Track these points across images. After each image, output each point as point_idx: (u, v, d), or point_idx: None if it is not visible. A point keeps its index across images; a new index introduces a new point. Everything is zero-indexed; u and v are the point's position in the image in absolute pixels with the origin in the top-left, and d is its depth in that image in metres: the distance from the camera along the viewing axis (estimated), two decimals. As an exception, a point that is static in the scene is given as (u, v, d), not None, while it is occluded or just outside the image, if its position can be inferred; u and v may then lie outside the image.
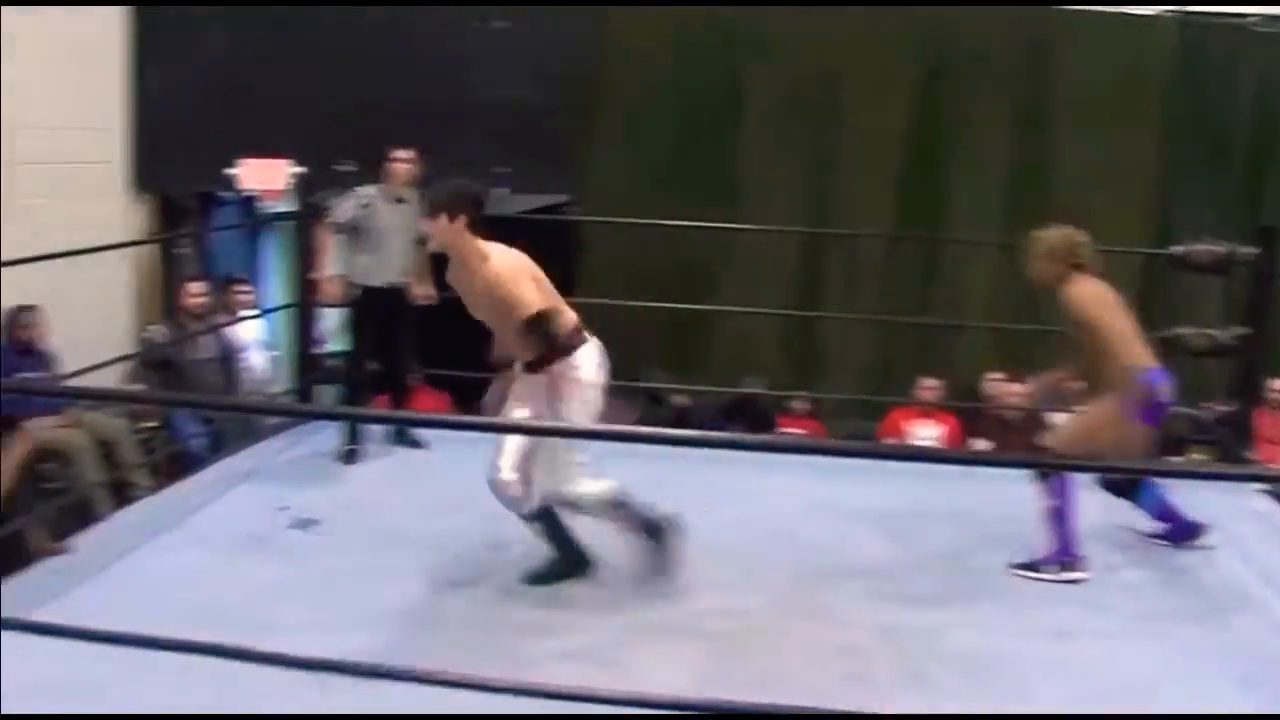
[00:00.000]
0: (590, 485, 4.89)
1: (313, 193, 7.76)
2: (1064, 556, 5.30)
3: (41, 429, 7.75)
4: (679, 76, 10.26)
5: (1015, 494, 5.70)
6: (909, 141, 10.42)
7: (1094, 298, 5.37)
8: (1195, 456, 8.50)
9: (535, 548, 5.14)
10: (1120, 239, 10.27)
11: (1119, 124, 10.48)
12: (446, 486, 5.94)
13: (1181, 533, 5.70)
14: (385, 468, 6.74)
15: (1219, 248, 7.23)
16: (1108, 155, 10.46)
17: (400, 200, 7.00)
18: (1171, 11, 10.43)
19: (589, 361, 4.96)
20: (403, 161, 7.03)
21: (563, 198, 10.04)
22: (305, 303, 8.02)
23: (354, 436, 6.89)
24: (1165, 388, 5.37)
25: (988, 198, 10.40)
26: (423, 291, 7.13)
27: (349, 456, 6.82)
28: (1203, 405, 7.52)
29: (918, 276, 10.41)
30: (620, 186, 9.96)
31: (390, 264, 6.98)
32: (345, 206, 6.99)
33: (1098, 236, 10.08)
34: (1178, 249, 7.60)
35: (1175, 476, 5.98)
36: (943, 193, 10.39)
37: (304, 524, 5.64)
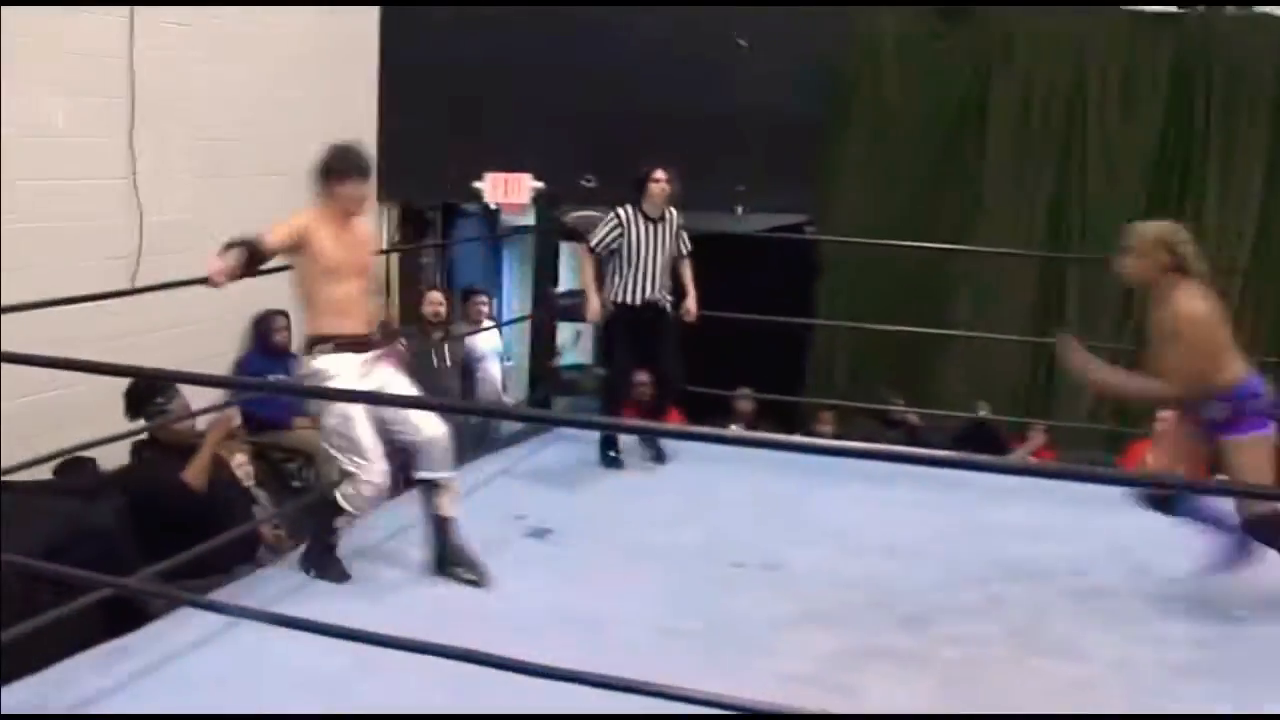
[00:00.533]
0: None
1: (555, 207, 7.87)
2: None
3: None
4: (923, 98, 10.14)
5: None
6: (1159, 155, 10.11)
7: (1197, 309, 4.88)
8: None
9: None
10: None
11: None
12: (682, 500, 5.96)
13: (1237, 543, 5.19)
14: (623, 479, 6.79)
15: None
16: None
17: (657, 219, 7.06)
18: None
19: None
20: (660, 181, 7.04)
21: (801, 217, 10.00)
22: (542, 315, 8.13)
23: (614, 444, 7.01)
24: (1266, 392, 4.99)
25: (1242, 214, 10.02)
26: (690, 307, 7.22)
27: (611, 463, 6.96)
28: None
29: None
30: (860, 205, 9.88)
31: (647, 282, 7.03)
32: (603, 231, 7.09)
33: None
34: None
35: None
36: (1195, 209, 10.03)
37: (539, 533, 5.71)
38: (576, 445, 7.08)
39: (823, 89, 10.17)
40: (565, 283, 9.30)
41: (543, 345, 8.26)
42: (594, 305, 7.10)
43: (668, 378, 7.34)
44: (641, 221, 7.03)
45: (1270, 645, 4.79)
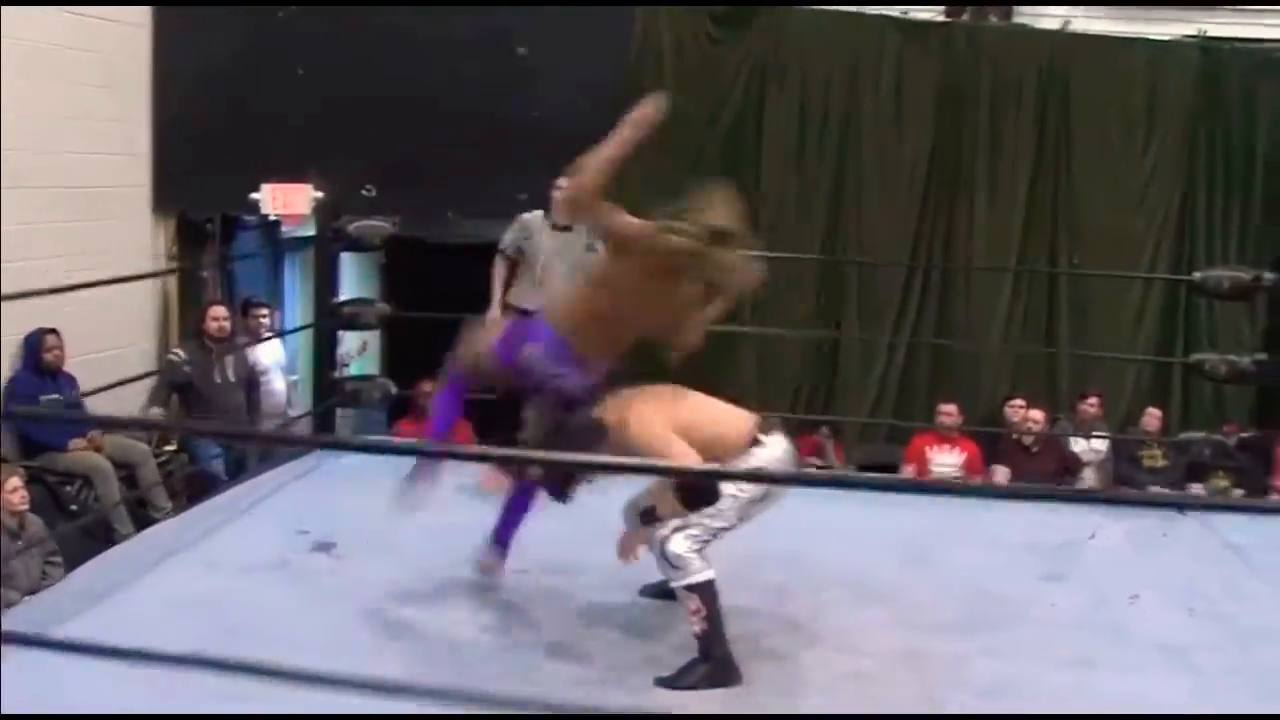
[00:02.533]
0: None
1: (335, 218, 7.80)
2: None
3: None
4: (700, 104, 10.29)
5: (1038, 519, 5.68)
6: (931, 160, 10.46)
7: None
8: (1218, 483, 8.49)
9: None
10: (1143, 265, 10.39)
11: (1140, 150, 10.56)
12: (469, 510, 5.94)
13: None
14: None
15: (1241, 274, 7.22)
16: (1129, 182, 10.54)
17: (563, 228, 6.97)
18: (1192, 38, 10.50)
19: None
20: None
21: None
22: (325, 325, 8.04)
23: None
24: None
25: (1008, 223, 10.47)
26: None
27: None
28: (1225, 431, 7.52)
29: (937, 304, 10.48)
30: (643, 212, 9.94)
31: (552, 290, 6.87)
32: (510, 234, 7.05)
33: (1120, 263, 10.21)
34: (1198, 275, 7.59)
35: (1208, 509, 5.95)
36: (966, 213, 10.45)
37: (324, 547, 5.64)
38: (360, 457, 6.99)
39: (604, 96, 10.23)
40: (347, 292, 9.22)
41: (325, 357, 8.17)
42: (491, 313, 7.00)
43: None
44: (547, 230, 6.98)
45: (1049, 627, 5.00)
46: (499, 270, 7.13)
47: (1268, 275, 7.01)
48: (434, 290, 8.83)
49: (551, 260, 6.96)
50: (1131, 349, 10.52)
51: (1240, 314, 9.88)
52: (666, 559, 4.38)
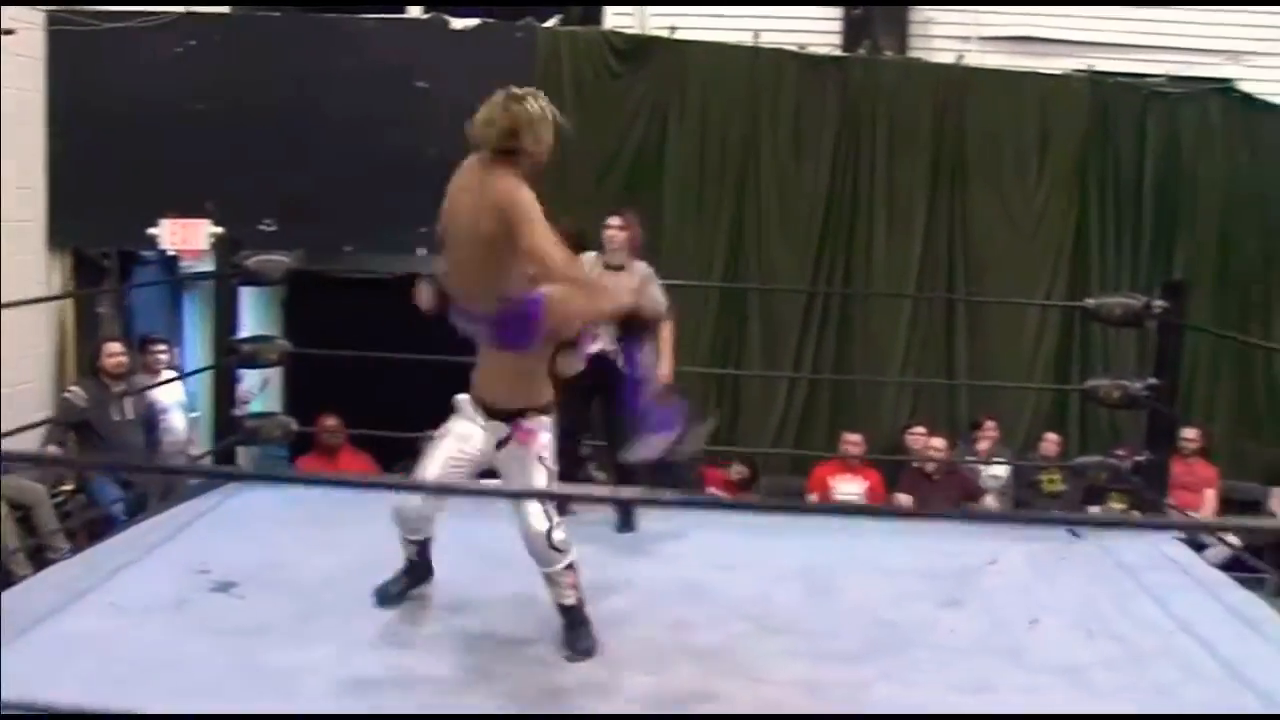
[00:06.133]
0: None
1: (234, 253, 7.73)
2: None
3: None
4: (601, 138, 10.35)
5: (936, 547, 5.75)
6: (830, 191, 10.61)
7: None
8: (1114, 505, 8.64)
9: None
10: (1039, 293, 10.60)
11: (1035, 181, 10.79)
12: (370, 548, 5.91)
13: None
14: (311, 529, 6.65)
15: (1131, 301, 7.36)
16: (1024, 211, 10.76)
17: (618, 267, 6.75)
18: (1082, 72, 10.75)
19: None
20: (611, 228, 6.73)
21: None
22: (225, 364, 7.96)
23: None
24: None
25: (906, 253, 10.64)
26: (662, 370, 6.63)
27: (623, 525, 6.54)
28: (1119, 454, 7.65)
29: (836, 333, 10.61)
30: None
31: (606, 333, 6.56)
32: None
33: (1017, 291, 10.41)
34: (1090, 302, 7.73)
35: (1099, 526, 6.05)
36: (865, 243, 10.61)
37: (224, 587, 5.57)
38: (262, 496, 6.92)
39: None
40: (248, 328, 9.13)
41: (225, 394, 8.07)
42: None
43: (613, 429, 6.72)
44: (600, 269, 6.67)
45: (948, 652, 5.05)
46: None
47: (1158, 302, 7.14)
48: (336, 325, 8.82)
49: None
50: (1030, 375, 10.72)
51: (1133, 339, 10.09)
52: (554, 546, 4.74)
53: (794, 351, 10.54)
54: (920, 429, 10.10)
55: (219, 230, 9.45)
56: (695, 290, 10.12)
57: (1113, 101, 10.90)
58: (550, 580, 4.84)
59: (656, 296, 6.76)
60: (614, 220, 6.75)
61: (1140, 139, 10.93)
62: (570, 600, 4.85)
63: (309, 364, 7.98)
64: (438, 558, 5.41)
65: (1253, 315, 11.12)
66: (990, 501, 9.81)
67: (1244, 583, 6.42)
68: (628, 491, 5.18)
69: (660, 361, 6.77)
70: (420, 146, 9.75)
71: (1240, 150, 11.03)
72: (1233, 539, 9.46)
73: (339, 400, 9.08)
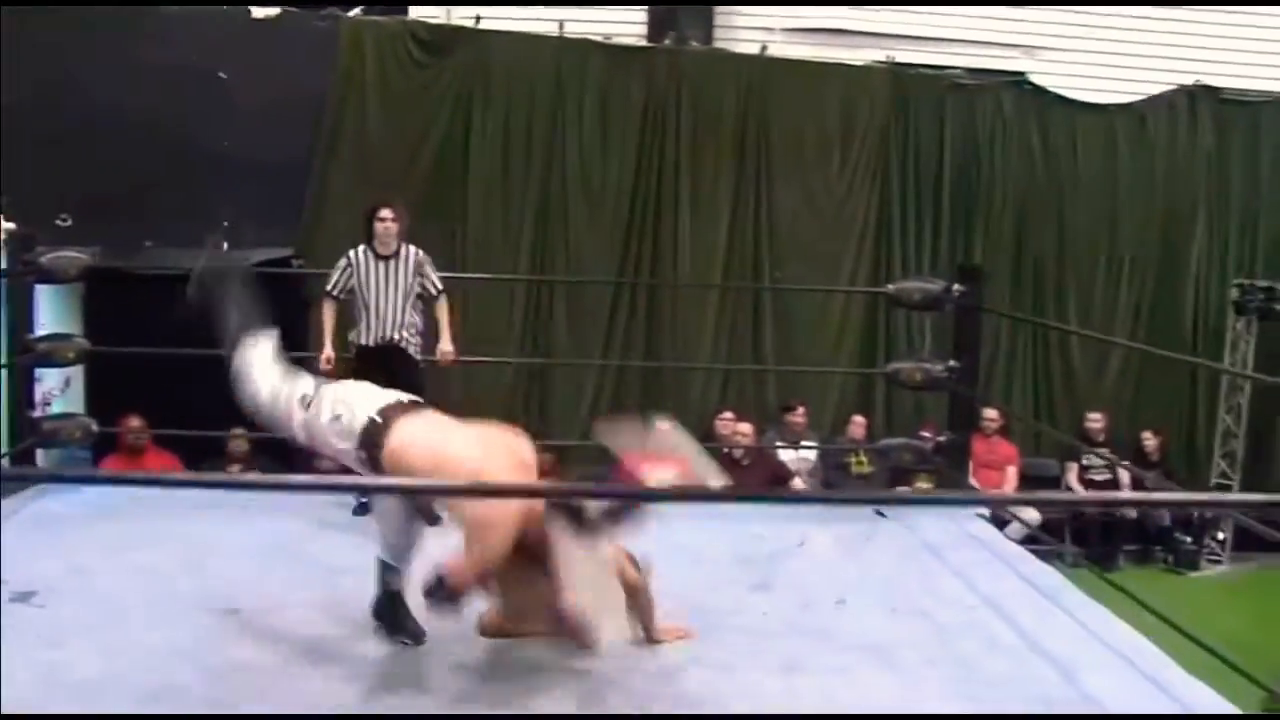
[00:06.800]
0: None
1: (29, 249, 7.49)
2: None
3: None
4: (405, 129, 10.27)
5: (746, 530, 5.82)
6: (635, 180, 10.67)
7: None
8: (921, 485, 8.85)
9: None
10: (844, 279, 10.81)
11: (838, 169, 10.99)
12: (176, 550, 5.79)
13: None
14: (115, 533, 6.47)
15: (930, 285, 7.53)
16: (827, 199, 10.95)
17: (389, 256, 6.91)
18: (883, 63, 10.98)
19: None
20: (385, 220, 6.88)
21: (287, 251, 9.86)
22: (20, 362, 7.70)
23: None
24: None
25: (712, 241, 10.75)
26: (445, 349, 7.13)
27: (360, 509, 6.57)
28: (922, 435, 7.84)
29: (645, 322, 10.68)
30: (346, 237, 9.77)
31: (382, 322, 6.89)
32: (335, 274, 6.94)
33: (822, 278, 10.60)
34: (891, 287, 7.90)
35: (901, 504, 6.18)
36: (671, 231, 10.70)
37: (23, 596, 5.39)
38: (64, 499, 6.71)
39: (308, 122, 10.13)
40: (45, 327, 8.85)
41: (22, 395, 7.82)
42: (325, 352, 7.00)
43: None
44: (372, 260, 6.89)
45: (758, 635, 5.12)
46: (327, 314, 7.06)
47: (956, 286, 7.31)
48: (138, 323, 8.58)
49: (382, 290, 6.89)
50: (836, 360, 10.92)
51: (934, 323, 10.35)
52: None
53: (602, 341, 10.58)
54: (728, 415, 10.21)
55: (11, 226, 9.13)
56: (502, 281, 10.10)
57: (913, 92, 11.17)
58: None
59: (432, 278, 7.05)
60: (387, 212, 6.91)
61: (939, 129, 11.23)
62: (396, 587, 4.80)
63: (111, 364, 7.77)
64: (240, 557, 5.31)
65: (1048, 299, 11.49)
66: (799, 484, 9.96)
67: (1043, 557, 6.64)
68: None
69: (442, 339, 7.12)
70: (221, 138, 9.57)
71: (1033, 141, 11.39)
72: (1033, 515, 9.79)
73: (143, 400, 8.85)
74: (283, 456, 9.44)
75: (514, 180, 10.54)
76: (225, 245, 9.50)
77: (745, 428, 9.94)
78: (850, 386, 11.15)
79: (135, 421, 8.93)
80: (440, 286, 7.10)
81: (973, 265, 9.20)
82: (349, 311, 7.05)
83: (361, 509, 6.55)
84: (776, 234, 10.91)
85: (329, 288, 7.00)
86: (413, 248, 7.01)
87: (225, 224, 9.69)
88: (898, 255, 11.13)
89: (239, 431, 9.10)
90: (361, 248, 6.95)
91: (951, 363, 7.40)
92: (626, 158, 10.66)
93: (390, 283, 6.91)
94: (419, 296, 7.02)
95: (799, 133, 10.96)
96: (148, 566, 5.69)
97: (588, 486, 5.17)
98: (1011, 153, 11.35)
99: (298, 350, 9.44)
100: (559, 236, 10.60)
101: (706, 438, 10.15)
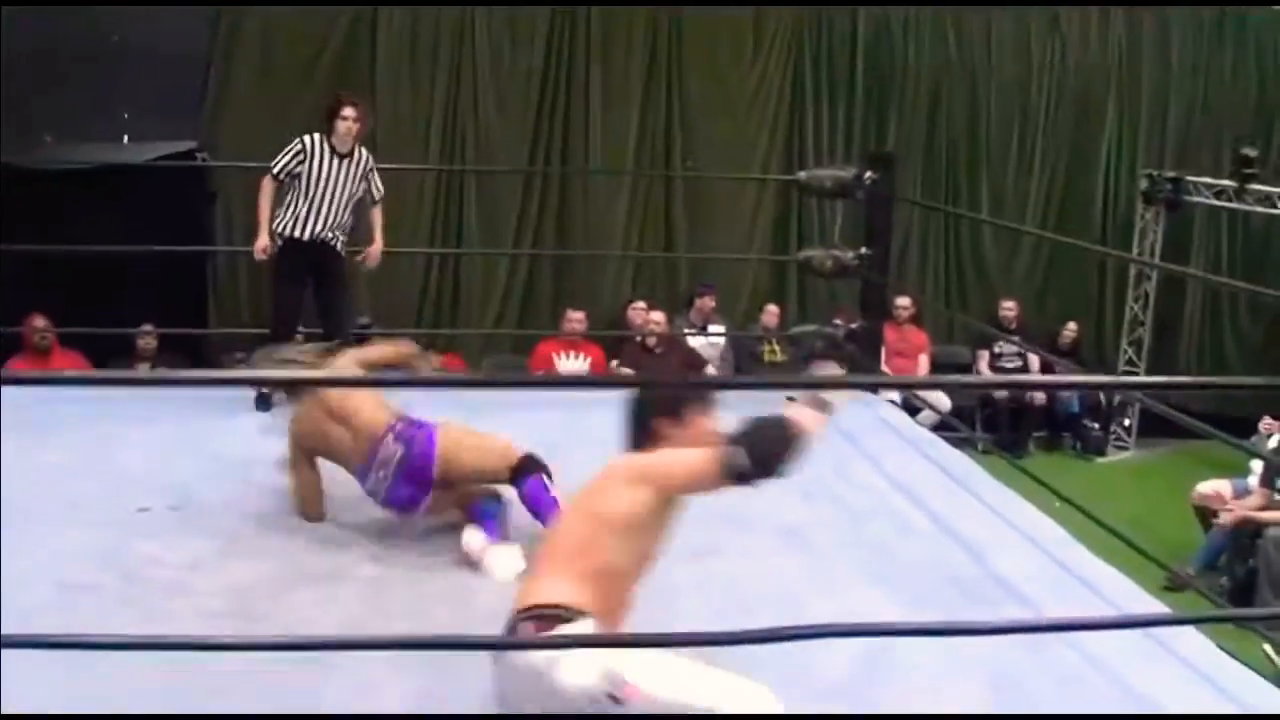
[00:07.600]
0: None
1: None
2: None
3: None
4: (311, 21, 10.07)
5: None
6: (543, 76, 10.54)
7: None
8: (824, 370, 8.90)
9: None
10: (756, 168, 10.78)
11: (750, 58, 10.92)
12: (81, 449, 5.72)
13: None
14: (12, 436, 6.36)
15: (842, 173, 7.51)
16: (740, 88, 10.89)
17: (345, 154, 6.73)
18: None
19: None
20: (348, 119, 6.68)
21: (190, 145, 9.66)
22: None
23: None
24: None
25: (623, 130, 10.66)
26: (376, 250, 7.06)
27: (261, 402, 6.51)
28: (835, 323, 7.86)
29: (557, 212, 10.63)
30: (251, 131, 9.59)
31: (320, 217, 6.69)
32: (284, 156, 6.70)
33: (734, 167, 10.57)
34: (802, 175, 7.89)
35: (807, 388, 6.15)
36: (582, 127, 10.60)
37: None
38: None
39: (202, 14, 9.88)
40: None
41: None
42: (260, 241, 6.77)
43: (330, 315, 6.94)
44: (328, 154, 6.69)
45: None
46: (266, 193, 6.81)
47: (868, 174, 7.30)
48: (40, 221, 8.41)
49: (330, 186, 6.71)
50: (748, 249, 10.93)
51: (847, 211, 10.35)
52: None
53: (514, 231, 10.48)
54: (641, 304, 10.21)
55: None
56: (412, 172, 9.98)
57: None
58: None
59: (376, 183, 6.96)
60: (351, 110, 6.72)
61: (853, 16, 11.15)
62: None
63: (13, 263, 7.58)
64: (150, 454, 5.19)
65: (961, 188, 11.54)
66: (712, 371, 9.99)
67: (954, 443, 6.72)
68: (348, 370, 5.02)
69: (375, 241, 7.07)
70: (119, 32, 9.33)
71: (947, 28, 11.36)
72: (944, 402, 9.90)
73: (47, 300, 8.69)
74: (189, 352, 9.39)
75: (421, 71, 10.34)
76: (126, 139, 9.28)
77: (658, 316, 9.93)
78: (763, 275, 11.17)
79: (40, 321, 8.76)
80: (382, 192, 7.03)
81: (884, 152, 9.19)
82: (279, 196, 6.85)
83: (262, 402, 6.51)
84: (688, 122, 10.83)
85: (274, 169, 6.76)
86: (364, 150, 6.87)
87: (125, 116, 9.46)
88: (810, 143, 11.09)
89: (148, 328, 9.01)
90: (318, 136, 6.74)
91: (863, 250, 7.41)
92: (536, 47, 10.48)
93: (339, 182, 6.74)
94: (358, 200, 6.90)
95: (712, 20, 10.84)
96: (56, 466, 5.61)
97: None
98: (925, 41, 11.31)
99: (204, 242, 9.43)
100: (468, 128, 10.44)
101: (619, 326, 10.19)
